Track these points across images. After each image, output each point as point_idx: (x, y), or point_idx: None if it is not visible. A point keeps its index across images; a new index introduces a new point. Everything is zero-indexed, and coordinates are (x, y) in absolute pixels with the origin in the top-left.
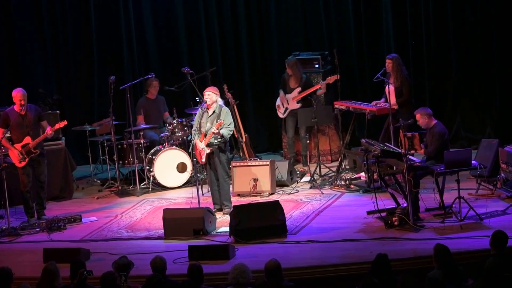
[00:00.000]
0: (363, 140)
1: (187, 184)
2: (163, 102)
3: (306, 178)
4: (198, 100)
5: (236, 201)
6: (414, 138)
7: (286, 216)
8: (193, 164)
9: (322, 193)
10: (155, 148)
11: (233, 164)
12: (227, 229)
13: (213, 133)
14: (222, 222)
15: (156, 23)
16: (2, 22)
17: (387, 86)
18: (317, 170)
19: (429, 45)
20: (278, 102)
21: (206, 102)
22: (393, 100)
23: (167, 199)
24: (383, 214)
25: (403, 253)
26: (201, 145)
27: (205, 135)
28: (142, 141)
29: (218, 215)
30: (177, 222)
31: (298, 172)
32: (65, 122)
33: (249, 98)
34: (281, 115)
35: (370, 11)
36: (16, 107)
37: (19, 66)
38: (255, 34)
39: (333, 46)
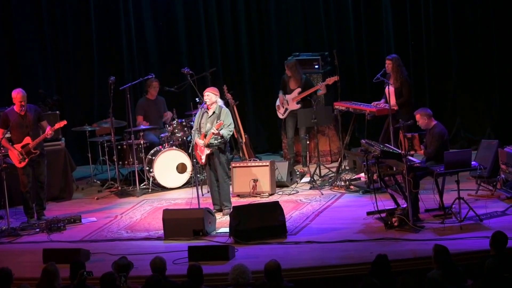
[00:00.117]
0: (363, 141)
1: (187, 184)
2: (163, 102)
3: (306, 178)
4: (198, 100)
5: (236, 201)
6: (414, 138)
7: (286, 216)
8: (193, 165)
9: (322, 194)
10: (155, 149)
11: (233, 165)
12: (227, 229)
13: (213, 133)
14: (222, 223)
15: (156, 23)
16: (2, 22)
17: (387, 86)
18: (317, 171)
19: (429, 45)
20: (278, 103)
21: (205, 103)
22: (393, 101)
23: (167, 200)
24: (383, 214)
25: (403, 253)
26: (201, 142)
27: (205, 136)
28: (142, 142)
29: (218, 215)
30: (177, 222)
31: (298, 173)
32: (64, 122)
33: (249, 99)
34: (281, 116)
35: (370, 11)
36: (16, 108)
37: (19, 66)
38: (255, 34)
39: (333, 46)
